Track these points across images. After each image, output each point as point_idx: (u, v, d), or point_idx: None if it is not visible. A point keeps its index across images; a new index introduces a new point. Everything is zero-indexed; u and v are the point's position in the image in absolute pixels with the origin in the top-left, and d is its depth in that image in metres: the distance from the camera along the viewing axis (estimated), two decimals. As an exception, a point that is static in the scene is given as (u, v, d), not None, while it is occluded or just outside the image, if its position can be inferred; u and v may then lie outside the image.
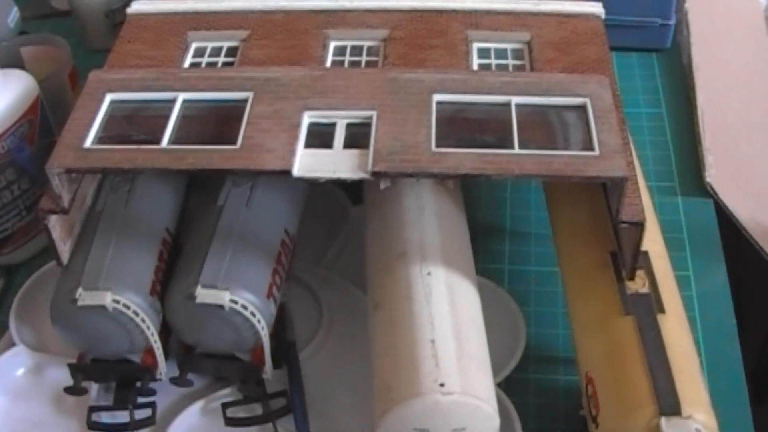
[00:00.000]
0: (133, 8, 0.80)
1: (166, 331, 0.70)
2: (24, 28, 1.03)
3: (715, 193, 0.85)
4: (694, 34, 1.01)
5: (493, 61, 0.72)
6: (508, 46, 0.74)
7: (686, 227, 0.84)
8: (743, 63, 1.03)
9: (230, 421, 0.69)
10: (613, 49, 0.75)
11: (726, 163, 0.88)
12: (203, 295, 0.64)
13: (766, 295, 0.95)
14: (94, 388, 0.72)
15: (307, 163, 0.62)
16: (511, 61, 0.73)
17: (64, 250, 0.68)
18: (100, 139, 0.65)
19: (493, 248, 0.82)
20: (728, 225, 0.84)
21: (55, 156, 0.63)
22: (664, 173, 0.89)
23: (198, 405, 0.71)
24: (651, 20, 1.00)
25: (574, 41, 0.73)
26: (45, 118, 0.82)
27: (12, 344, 0.76)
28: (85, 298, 0.65)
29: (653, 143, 0.92)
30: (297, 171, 0.61)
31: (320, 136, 0.64)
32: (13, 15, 1.00)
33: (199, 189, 0.76)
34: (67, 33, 1.02)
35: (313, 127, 0.64)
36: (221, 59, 0.74)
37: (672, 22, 1.00)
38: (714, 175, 0.86)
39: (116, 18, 1.07)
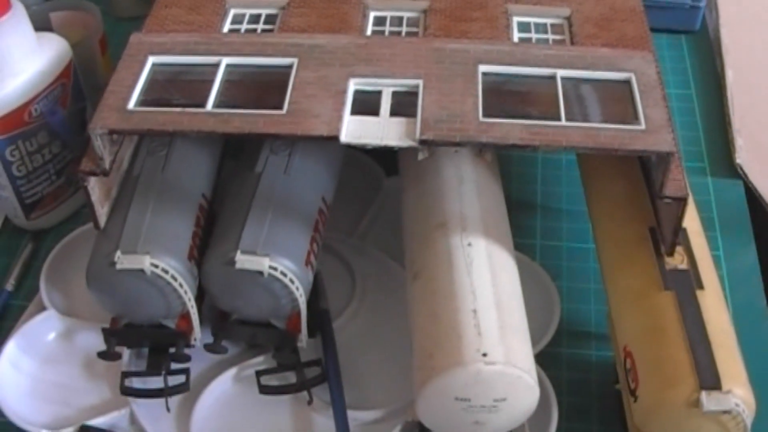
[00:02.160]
0: (171, -27, 0.79)
1: (200, 297, 0.69)
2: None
3: (745, 174, 0.86)
4: (723, 16, 1.02)
5: (534, 35, 0.72)
6: (548, 20, 0.74)
7: (716, 207, 0.84)
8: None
9: (264, 389, 0.69)
10: (647, 24, 0.75)
11: (756, 144, 0.89)
12: (242, 260, 0.64)
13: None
14: (126, 353, 0.72)
15: (354, 129, 0.62)
16: (551, 36, 0.72)
17: (102, 213, 0.68)
18: (143, 101, 0.65)
19: (524, 223, 0.82)
20: (757, 206, 0.85)
21: (98, 117, 0.63)
22: (694, 154, 0.89)
23: (231, 372, 0.71)
24: (681, 2, 1.00)
25: (613, 17, 0.73)
26: (77, 83, 0.82)
27: (42, 308, 0.76)
28: (123, 261, 0.65)
29: (683, 124, 0.92)
30: (344, 137, 0.61)
31: (366, 104, 0.64)
32: (42, -21, 1.00)
33: (234, 155, 0.76)
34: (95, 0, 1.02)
35: (359, 94, 0.64)
36: (260, 26, 0.74)
37: (702, 4, 1.00)
38: (743, 156, 0.87)
39: (145, -14, 1.06)
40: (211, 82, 0.66)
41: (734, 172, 0.87)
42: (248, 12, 0.76)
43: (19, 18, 0.76)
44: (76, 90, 0.82)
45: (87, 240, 0.77)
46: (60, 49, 0.80)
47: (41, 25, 0.85)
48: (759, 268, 0.79)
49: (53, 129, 0.80)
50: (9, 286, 0.81)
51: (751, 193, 0.85)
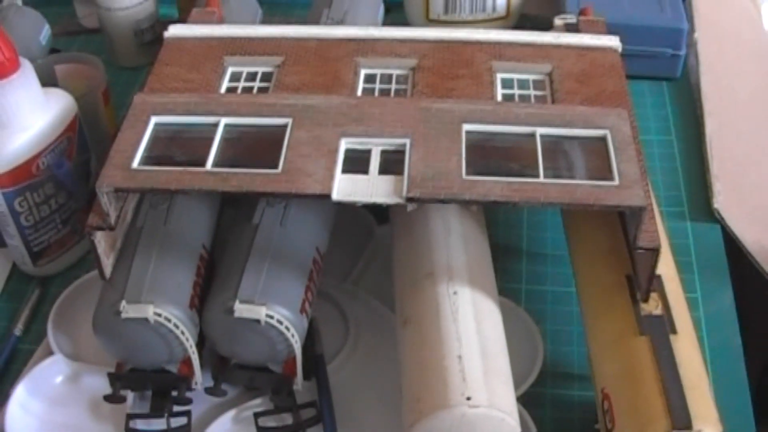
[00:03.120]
0: (171, 32, 0.84)
1: (201, 343, 0.74)
2: (53, 44, 1.07)
3: (722, 219, 0.89)
4: (703, 63, 1.05)
5: (516, 92, 0.77)
6: (531, 77, 0.78)
7: (695, 251, 0.88)
8: (751, 92, 1.07)
9: (262, 430, 0.73)
10: (626, 77, 0.79)
11: (733, 189, 0.92)
12: (241, 309, 0.69)
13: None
14: (130, 396, 0.76)
15: (345, 187, 0.66)
16: (533, 92, 0.77)
17: (108, 264, 0.72)
18: (146, 160, 0.69)
19: (510, 268, 0.86)
20: (735, 249, 0.88)
21: (104, 175, 0.68)
22: (674, 199, 0.93)
23: (231, 414, 0.75)
24: (663, 50, 1.04)
25: (593, 73, 0.77)
26: (82, 136, 0.86)
27: (50, 353, 0.80)
28: (128, 310, 0.69)
29: (664, 169, 0.96)
30: (336, 195, 0.66)
31: (357, 162, 0.68)
32: (45, 32, 1.05)
33: (233, 207, 0.80)
34: (96, 50, 1.06)
35: (349, 152, 0.69)
36: (257, 84, 0.78)
37: (682, 53, 1.04)
38: (721, 201, 0.90)
39: (145, 37, 1.11)
40: (211, 140, 0.70)
41: (712, 216, 0.90)
42: (245, 70, 0.80)
43: (27, 75, 0.80)
44: (81, 142, 0.86)
45: (92, 287, 0.82)
46: (66, 104, 0.84)
47: (46, 77, 0.89)
48: (735, 310, 0.83)
49: (60, 181, 0.84)
50: (17, 330, 0.84)
51: (728, 237, 0.89)
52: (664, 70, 1.07)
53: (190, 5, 0.99)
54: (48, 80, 0.88)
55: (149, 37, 1.12)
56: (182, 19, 0.89)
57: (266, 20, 1.00)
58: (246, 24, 0.86)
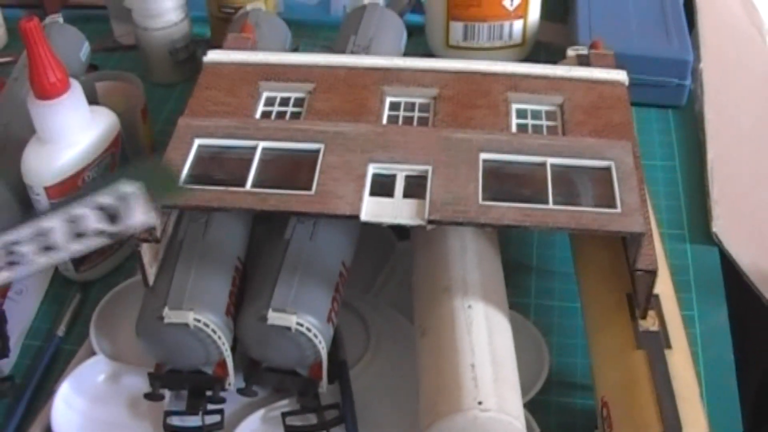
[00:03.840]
0: (209, 57, 0.92)
1: (235, 347, 0.82)
2: (90, 60, 1.15)
3: (721, 242, 0.96)
4: (707, 92, 1.12)
5: (530, 122, 0.84)
6: (543, 108, 0.85)
7: (693, 272, 0.95)
8: (753, 120, 1.13)
9: (289, 429, 0.80)
10: (633, 104, 0.87)
11: (732, 214, 0.99)
12: (274, 317, 0.76)
13: (765, 335, 1.07)
14: (167, 395, 0.83)
15: (372, 209, 0.74)
16: (545, 122, 0.84)
17: (151, 273, 0.80)
18: (190, 179, 0.78)
19: (521, 283, 0.93)
20: (732, 271, 0.95)
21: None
22: (675, 221, 1.00)
23: (260, 413, 0.82)
24: (669, 80, 1.11)
25: (601, 105, 0.85)
26: (124, 151, 0.93)
27: (92, 353, 0.88)
28: (170, 316, 0.77)
29: (666, 193, 1.03)
30: (364, 216, 0.74)
31: (383, 186, 0.76)
32: (85, 49, 1.12)
33: (264, 223, 0.88)
34: (131, 67, 1.14)
35: (376, 177, 0.77)
36: (290, 108, 0.86)
37: (687, 82, 1.11)
38: (720, 225, 0.97)
39: (179, 56, 1.19)
40: (250, 162, 0.78)
41: (711, 239, 0.97)
42: (279, 95, 0.88)
43: (76, 95, 0.87)
44: (122, 158, 0.94)
45: (132, 292, 0.89)
46: (110, 122, 0.92)
47: (88, 94, 0.96)
48: (729, 327, 0.89)
49: (103, 194, 0.92)
50: (60, 332, 0.92)
51: (726, 259, 0.96)
52: (669, 99, 1.14)
53: (222, 26, 1.08)
54: (89, 97, 0.94)
55: (183, 56, 1.20)
56: (215, 40, 0.97)
57: (295, 41, 1.08)
58: (279, 51, 0.94)
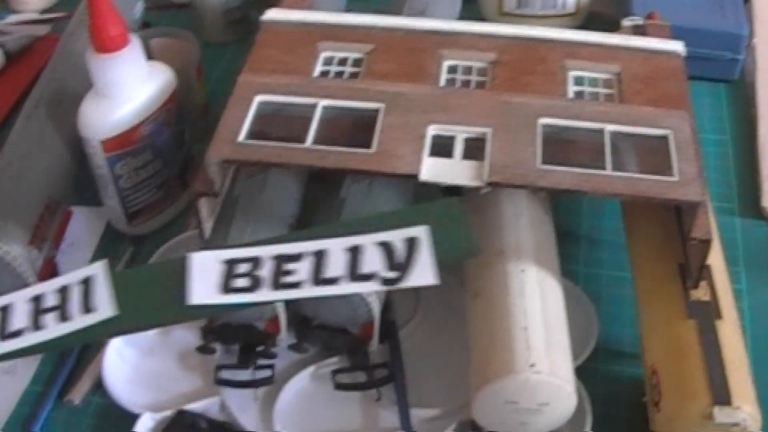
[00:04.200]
0: (267, 16, 0.93)
1: (287, 303, 0.83)
2: (144, 18, 1.17)
3: (770, 217, 0.98)
4: (760, 68, 1.13)
5: (587, 89, 0.85)
6: (600, 76, 0.87)
7: (742, 246, 0.96)
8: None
9: (339, 386, 0.82)
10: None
11: None
12: (328, 274, 0.78)
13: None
14: (218, 349, 0.85)
15: (431, 169, 0.76)
16: (601, 90, 0.85)
17: (208, 227, 0.82)
18: (251, 135, 0.79)
19: (570, 251, 0.94)
20: None
21: (213, 148, 0.78)
22: (724, 195, 1.01)
23: (310, 369, 0.84)
24: (722, 54, 1.12)
25: (658, 76, 0.86)
26: (179, 108, 0.95)
27: (144, 305, 0.90)
28: (226, 270, 0.79)
29: (717, 167, 1.04)
30: (423, 176, 0.75)
31: (442, 147, 0.78)
32: (138, 6, 1.14)
33: (317, 182, 0.89)
34: (183, 25, 1.15)
35: (436, 138, 0.78)
36: (347, 69, 0.88)
37: (741, 56, 1.12)
38: None
39: (233, 16, 1.21)
40: (309, 120, 0.80)
41: (760, 214, 0.99)
42: (337, 55, 0.89)
43: (135, 50, 0.89)
44: (177, 114, 0.95)
45: (183, 247, 0.92)
46: (167, 78, 0.93)
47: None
48: None
49: (158, 148, 0.93)
50: (112, 284, 0.95)
51: (774, 234, 0.98)
52: (722, 73, 1.15)
53: (277, -12, 1.09)
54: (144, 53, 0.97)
55: (236, 16, 1.22)
56: (268, 1, 0.98)
57: (349, 9, 1.09)
58: (337, 12, 0.96)
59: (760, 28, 1.18)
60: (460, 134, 0.79)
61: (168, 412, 0.82)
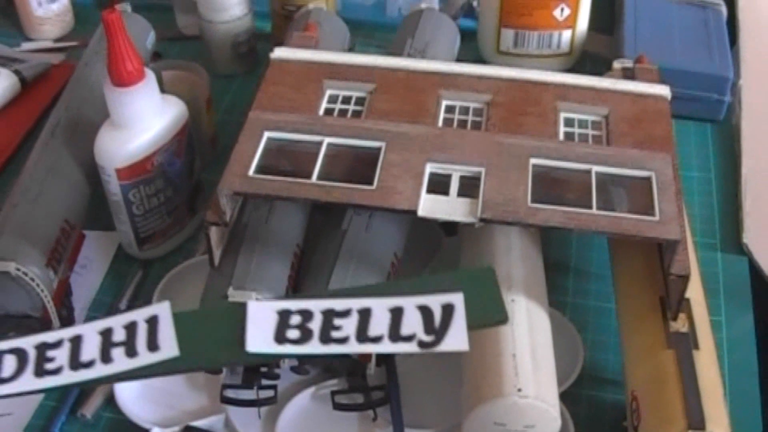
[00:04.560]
0: (276, 54, 0.99)
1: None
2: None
3: (750, 253, 1.03)
4: (745, 108, 1.18)
5: (576, 130, 0.91)
6: (590, 118, 0.92)
7: (722, 280, 1.01)
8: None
9: (337, 406, 0.87)
10: (673, 116, 0.93)
11: (763, 226, 1.05)
12: (330, 301, 0.84)
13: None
14: (224, 369, 0.89)
15: (428, 205, 0.82)
16: (590, 131, 0.91)
17: (217, 254, 0.88)
18: (260, 169, 0.85)
19: (559, 282, 1.00)
20: (760, 281, 1.01)
21: (225, 181, 0.83)
22: (707, 231, 1.06)
23: (310, 390, 0.89)
24: (708, 95, 1.17)
25: (644, 118, 0.91)
26: (190, 138, 1.01)
27: (154, 325, 0.96)
28: (234, 295, 0.84)
29: (701, 203, 1.09)
30: (421, 212, 0.81)
31: (438, 184, 0.83)
32: (151, 38, 1.20)
33: (321, 214, 0.95)
34: (192, 56, 1.22)
35: (433, 176, 0.84)
36: (351, 107, 0.93)
37: (726, 98, 1.17)
38: (750, 237, 1.04)
39: (241, 49, 1.27)
40: (315, 156, 0.86)
41: (741, 249, 1.04)
42: (341, 93, 0.95)
43: (150, 84, 0.95)
44: (188, 144, 1.01)
45: (191, 272, 0.97)
46: (179, 110, 0.99)
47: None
48: (754, 333, 0.96)
49: (169, 177, 0.99)
50: (122, 305, 1.00)
51: (754, 269, 1.02)
52: (708, 113, 1.20)
53: (283, 23, 1.15)
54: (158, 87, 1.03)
55: (245, 49, 1.27)
56: (276, 35, 1.04)
57: (351, 40, 1.16)
58: (340, 50, 1.02)
59: (746, 70, 1.23)
60: (456, 172, 0.84)
61: (176, 428, 0.87)
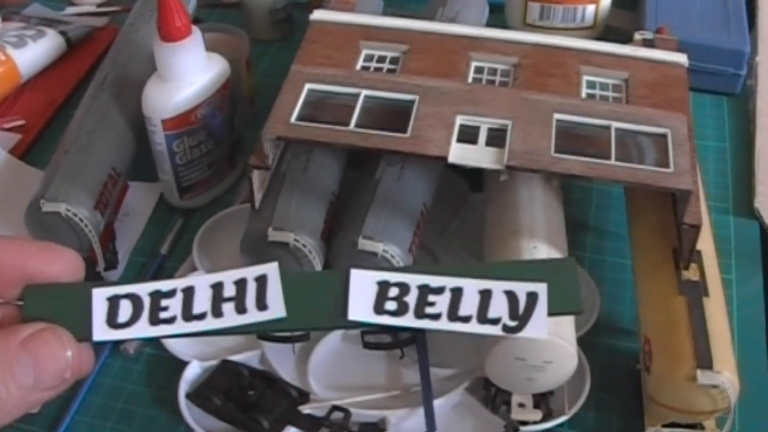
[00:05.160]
0: (315, 16, 1.05)
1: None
2: (196, 14, 1.30)
3: (761, 217, 1.09)
4: (761, 84, 1.24)
5: (598, 92, 0.97)
6: (611, 81, 0.98)
7: (734, 241, 1.07)
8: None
9: (367, 345, 0.92)
10: (691, 89, 0.99)
11: None
12: (363, 244, 0.89)
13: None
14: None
15: (458, 153, 0.88)
16: (611, 93, 0.97)
17: (258, 198, 0.94)
18: (301, 117, 0.91)
19: (579, 239, 1.06)
20: None
21: (269, 126, 0.90)
22: (721, 196, 1.12)
23: (340, 330, 0.95)
24: (725, 69, 1.23)
25: (662, 83, 0.97)
26: (232, 95, 1.08)
27: (194, 268, 1.03)
28: (274, 236, 0.90)
29: (715, 171, 1.15)
30: (451, 158, 0.87)
31: (468, 135, 0.90)
32: (192, 3, 1.27)
33: (355, 168, 1.01)
34: (232, 22, 1.28)
35: (463, 127, 0.90)
36: (386, 65, 1.00)
37: (743, 72, 1.23)
38: (761, 201, 1.10)
39: (278, 15, 1.33)
40: (353, 107, 0.92)
41: (753, 214, 1.10)
42: (377, 53, 1.02)
43: (197, 40, 1.01)
44: (230, 100, 1.08)
45: (230, 220, 1.04)
46: (223, 67, 1.06)
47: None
48: (763, 292, 1.02)
49: (212, 130, 1.06)
50: (163, 250, 1.07)
51: (764, 233, 1.09)
52: (725, 86, 1.26)
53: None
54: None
55: (282, 16, 1.34)
56: (312, 3, 1.11)
57: (386, 12, 1.22)
58: (377, 15, 1.08)
59: (765, 49, 1.29)
60: (485, 124, 0.90)
61: (214, 361, 0.94)
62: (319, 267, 0.92)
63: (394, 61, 1.00)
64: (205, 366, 0.94)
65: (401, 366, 0.94)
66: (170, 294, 0.65)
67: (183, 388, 0.92)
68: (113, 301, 0.65)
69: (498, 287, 0.67)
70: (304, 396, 0.91)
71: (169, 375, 0.94)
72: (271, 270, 0.66)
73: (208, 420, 0.90)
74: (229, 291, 0.66)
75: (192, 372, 0.93)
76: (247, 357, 0.95)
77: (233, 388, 0.91)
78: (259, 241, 0.91)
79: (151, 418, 0.93)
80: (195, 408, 0.90)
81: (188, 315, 0.65)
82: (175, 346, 0.95)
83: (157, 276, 1.04)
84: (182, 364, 0.93)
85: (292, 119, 0.90)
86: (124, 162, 1.06)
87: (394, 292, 0.67)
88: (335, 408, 0.89)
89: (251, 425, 0.88)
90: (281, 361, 0.95)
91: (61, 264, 0.65)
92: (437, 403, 0.89)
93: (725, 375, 0.79)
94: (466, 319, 0.66)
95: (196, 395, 0.91)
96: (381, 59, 1.00)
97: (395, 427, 0.89)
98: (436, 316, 0.66)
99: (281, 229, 0.91)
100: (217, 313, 0.65)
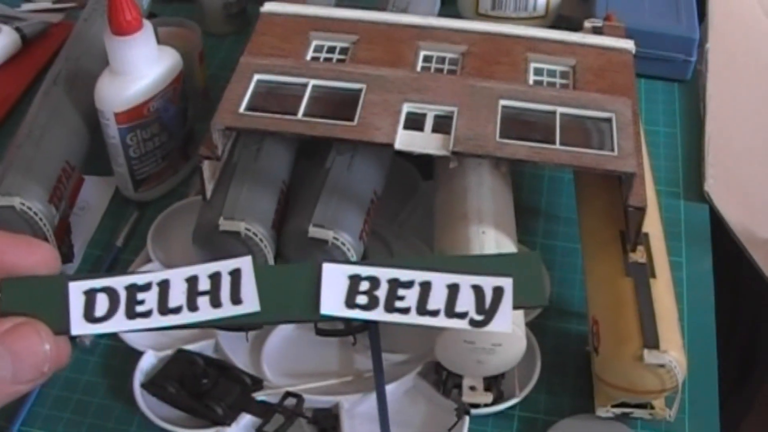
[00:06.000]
0: (266, 8, 1.06)
1: (275, 259, 0.96)
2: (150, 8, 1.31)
3: (711, 200, 1.11)
4: (711, 70, 1.26)
5: (545, 79, 0.99)
6: (558, 68, 1.00)
7: (684, 224, 1.09)
8: (754, 99, 1.28)
9: (319, 332, 0.94)
10: (642, 76, 1.01)
11: (724, 176, 1.13)
12: (314, 231, 0.90)
13: (748, 286, 1.21)
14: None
15: (404, 140, 0.90)
16: (558, 80, 0.99)
17: (209, 188, 0.95)
18: (250, 107, 0.93)
19: (530, 224, 1.08)
20: (719, 227, 1.10)
21: (217, 117, 0.91)
22: (672, 180, 1.14)
23: None
24: (675, 56, 1.26)
25: (608, 69, 0.99)
26: (183, 88, 1.09)
27: (148, 260, 1.04)
28: (224, 225, 0.91)
29: (666, 155, 1.17)
30: (398, 145, 0.89)
31: (414, 122, 0.91)
32: (146, -2, 1.29)
33: (306, 158, 1.03)
34: (186, 16, 1.29)
35: (410, 114, 0.92)
36: (335, 56, 1.01)
37: (693, 59, 1.25)
38: (711, 185, 1.11)
39: (232, 9, 1.35)
40: (301, 97, 0.93)
41: (702, 198, 1.12)
42: (326, 44, 1.03)
43: (148, 34, 1.02)
44: (182, 93, 1.09)
45: (184, 211, 1.05)
46: (175, 60, 1.07)
47: (151, 37, 1.12)
48: (712, 274, 1.04)
49: (164, 122, 1.07)
50: (118, 242, 1.08)
51: (714, 216, 1.11)
52: (675, 73, 1.28)
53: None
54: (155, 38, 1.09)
55: (235, 10, 1.36)
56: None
57: (339, 3, 1.23)
58: (327, 6, 1.10)
59: (714, 35, 1.31)
60: (431, 111, 0.92)
61: (169, 351, 0.95)
62: (270, 256, 0.93)
63: (343, 51, 1.02)
64: (160, 356, 0.95)
65: (354, 352, 0.96)
66: (146, 287, 0.67)
67: (138, 377, 0.93)
68: (90, 295, 0.66)
69: (465, 281, 0.68)
70: (258, 383, 0.92)
71: (124, 365, 0.95)
72: (245, 264, 0.68)
73: (163, 408, 0.91)
74: (204, 285, 0.67)
75: (147, 362, 0.94)
76: (202, 346, 0.96)
77: (188, 377, 0.91)
78: (211, 231, 0.92)
79: (107, 408, 0.94)
80: (150, 397, 0.91)
81: (164, 309, 0.66)
82: (130, 337, 0.96)
83: (112, 268, 1.05)
84: (137, 354, 0.94)
85: (241, 109, 0.92)
86: (79, 156, 1.07)
87: (365, 286, 0.68)
88: (288, 394, 0.91)
89: (205, 412, 0.89)
90: (235, 349, 0.96)
91: (37, 257, 0.66)
92: (389, 388, 0.90)
93: (672, 354, 0.81)
94: (434, 313, 0.68)
95: (151, 384, 0.92)
96: (331, 50, 1.02)
97: (348, 412, 0.91)
98: (405, 310, 0.68)
99: (232, 219, 0.92)
100: (193, 307, 0.66)
